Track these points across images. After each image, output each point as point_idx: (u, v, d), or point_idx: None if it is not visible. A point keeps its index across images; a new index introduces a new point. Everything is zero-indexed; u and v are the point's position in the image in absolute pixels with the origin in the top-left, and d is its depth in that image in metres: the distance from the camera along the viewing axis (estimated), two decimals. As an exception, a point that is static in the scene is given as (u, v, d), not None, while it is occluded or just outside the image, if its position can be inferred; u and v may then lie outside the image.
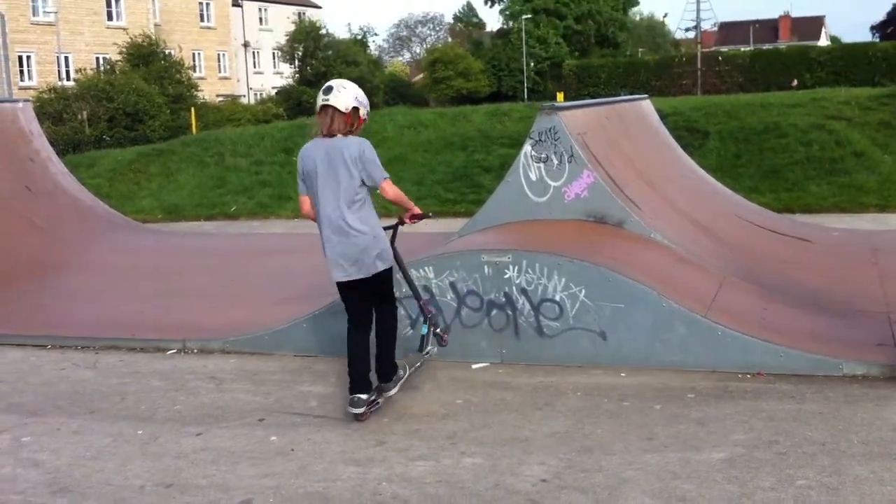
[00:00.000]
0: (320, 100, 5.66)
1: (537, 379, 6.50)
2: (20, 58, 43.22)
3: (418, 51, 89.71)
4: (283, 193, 18.26)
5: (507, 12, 72.56)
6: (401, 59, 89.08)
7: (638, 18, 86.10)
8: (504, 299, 6.85)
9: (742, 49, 66.91)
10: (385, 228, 5.94)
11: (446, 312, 6.98)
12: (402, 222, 6.21)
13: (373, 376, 5.91)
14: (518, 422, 5.71)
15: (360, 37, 66.48)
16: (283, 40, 56.91)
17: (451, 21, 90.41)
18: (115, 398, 6.55)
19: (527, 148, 8.07)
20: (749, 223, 10.63)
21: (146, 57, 40.72)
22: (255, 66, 64.06)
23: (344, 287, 5.78)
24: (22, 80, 42.94)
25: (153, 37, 43.91)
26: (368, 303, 5.88)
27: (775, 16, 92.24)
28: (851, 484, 4.59)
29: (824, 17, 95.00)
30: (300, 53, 54.94)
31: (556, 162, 7.98)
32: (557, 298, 6.71)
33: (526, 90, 64.63)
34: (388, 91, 59.82)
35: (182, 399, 6.46)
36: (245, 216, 17.64)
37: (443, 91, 63.81)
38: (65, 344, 8.05)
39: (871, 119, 18.64)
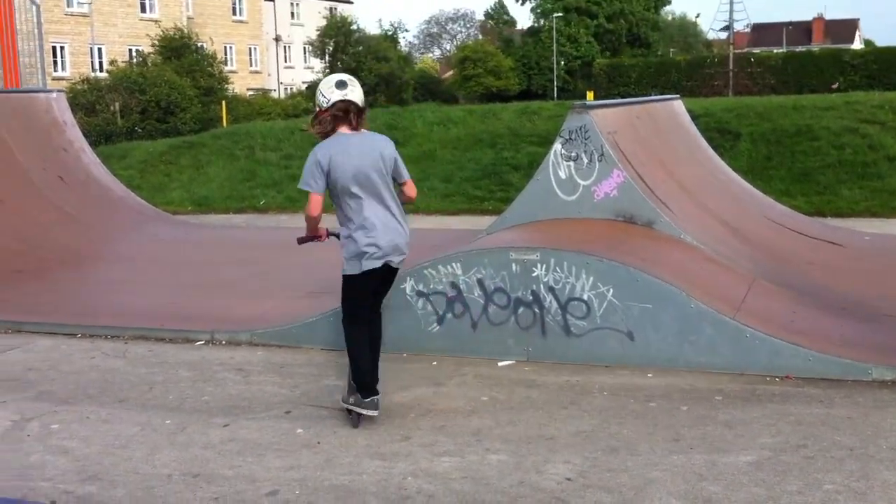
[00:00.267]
0: (336, 95, 5.49)
1: (563, 378, 6.49)
2: (54, 48, 43.60)
3: (448, 48, 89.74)
4: (312, 188, 18.32)
5: (538, 10, 72.39)
6: (431, 55, 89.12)
7: (670, 18, 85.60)
8: (531, 297, 6.85)
9: (775, 51, 66.31)
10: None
11: (473, 309, 6.99)
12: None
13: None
14: (543, 420, 5.70)
15: (390, 33, 66.46)
16: (314, 35, 57.10)
17: (482, 18, 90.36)
18: (144, 388, 6.62)
19: (557, 146, 8.06)
20: (780, 226, 10.55)
21: (178, 50, 40.99)
22: (285, 61, 64.32)
23: (369, 276, 5.58)
24: (55, 70, 43.33)
25: (186, 30, 44.19)
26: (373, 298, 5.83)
27: (809, 18, 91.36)
28: (879, 489, 4.55)
29: (858, 19, 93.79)
30: (331, 48, 55.09)
31: (586, 161, 7.97)
32: (585, 297, 6.70)
33: (556, 89, 64.47)
34: (417, 87, 59.87)
35: (209, 390, 6.51)
36: (274, 210, 17.73)
37: (472, 88, 63.78)
38: (95, 333, 8.13)
39: (905, 123, 18.44)
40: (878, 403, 5.77)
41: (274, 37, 62.46)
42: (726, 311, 6.59)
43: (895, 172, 16.12)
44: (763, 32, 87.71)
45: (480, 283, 6.96)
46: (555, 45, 66.03)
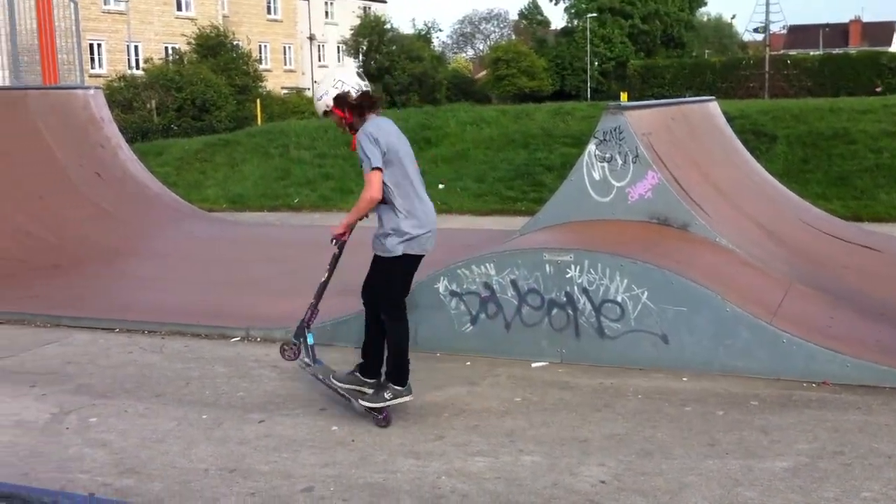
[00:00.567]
0: (362, 85, 5.66)
1: (597, 380, 6.48)
2: (91, 46, 44.05)
3: (482, 47, 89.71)
4: (346, 187, 18.41)
5: (573, 10, 72.23)
6: (464, 55, 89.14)
7: (705, 19, 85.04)
8: (565, 299, 6.84)
9: (811, 53, 65.71)
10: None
11: (507, 310, 6.99)
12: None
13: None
14: (577, 422, 5.70)
15: (424, 32, 66.60)
16: (347, 34, 57.34)
17: (516, 18, 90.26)
18: (180, 383, 6.69)
19: (591, 147, 8.05)
20: (816, 230, 10.45)
21: (214, 48, 41.33)
22: (319, 60, 64.59)
23: (416, 261, 5.69)
24: (93, 67, 43.80)
25: (221, 28, 44.53)
26: None
27: (846, 20, 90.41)
28: (918, 498, 4.51)
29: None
30: (364, 48, 55.32)
31: (620, 162, 7.94)
32: (619, 300, 6.69)
33: (589, 90, 64.29)
34: (450, 87, 59.95)
35: (245, 386, 6.57)
36: (308, 208, 17.82)
37: (505, 88, 63.75)
38: (132, 328, 8.23)
39: (945, 127, 18.18)
40: (917, 411, 5.71)
41: (308, 36, 62.75)
42: (762, 316, 6.55)
43: (934, 177, 15.91)
44: (800, 34, 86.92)
45: (514, 283, 6.97)
46: (588, 45, 65.83)
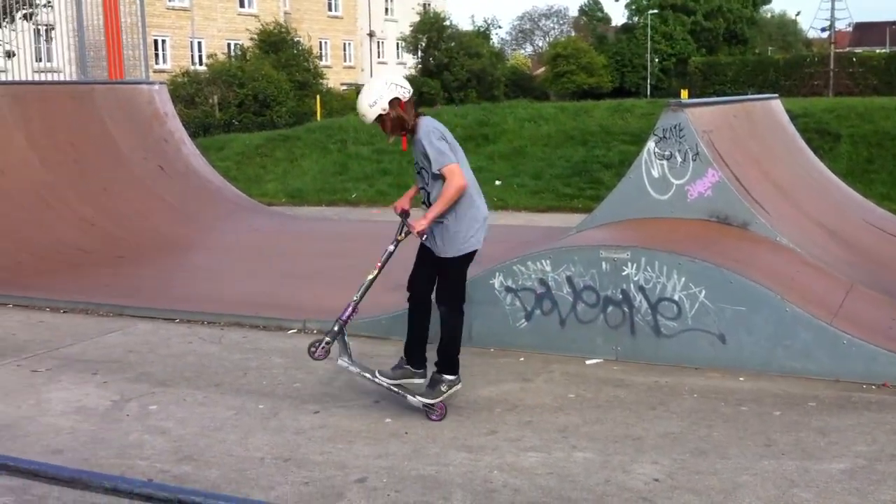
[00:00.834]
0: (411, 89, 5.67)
1: (652, 378, 6.44)
2: (156, 42, 44.77)
3: (541, 44, 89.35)
4: (403, 182, 18.48)
5: (634, 7, 71.57)
6: (523, 52, 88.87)
7: (769, 16, 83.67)
8: (621, 296, 6.81)
9: (878, 51, 64.29)
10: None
11: (562, 307, 6.98)
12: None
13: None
14: (631, 420, 5.67)
15: (483, 29, 66.49)
16: (407, 31, 57.48)
17: (576, 14, 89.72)
18: (238, 373, 6.79)
19: (650, 145, 7.99)
20: (880, 231, 10.25)
21: (276, 44, 41.75)
22: (379, 56, 64.90)
23: (473, 255, 5.76)
24: (157, 63, 44.54)
25: (283, 24, 44.98)
26: None
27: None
28: (981, 505, 4.41)
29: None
30: (423, 44, 55.38)
31: (679, 160, 7.88)
32: (676, 298, 6.63)
33: (649, 87, 63.66)
34: (508, 84, 59.77)
35: (301, 377, 6.65)
36: (365, 203, 17.94)
37: (564, 85, 63.40)
38: (192, 318, 8.37)
39: None
40: (981, 416, 5.58)
41: (368, 32, 63.08)
42: (823, 316, 6.45)
43: None
44: (866, 31, 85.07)
45: (569, 280, 6.95)
46: (649, 42, 65.19)
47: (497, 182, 17.84)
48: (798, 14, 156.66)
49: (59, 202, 11.90)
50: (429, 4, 65.62)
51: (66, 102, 13.11)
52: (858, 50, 68.06)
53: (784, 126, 11.64)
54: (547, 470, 4.92)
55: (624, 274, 6.78)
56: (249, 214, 14.18)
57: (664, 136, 7.93)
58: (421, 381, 5.79)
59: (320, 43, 55.90)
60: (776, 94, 13.30)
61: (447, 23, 56.77)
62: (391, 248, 5.74)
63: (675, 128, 7.91)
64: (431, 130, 5.53)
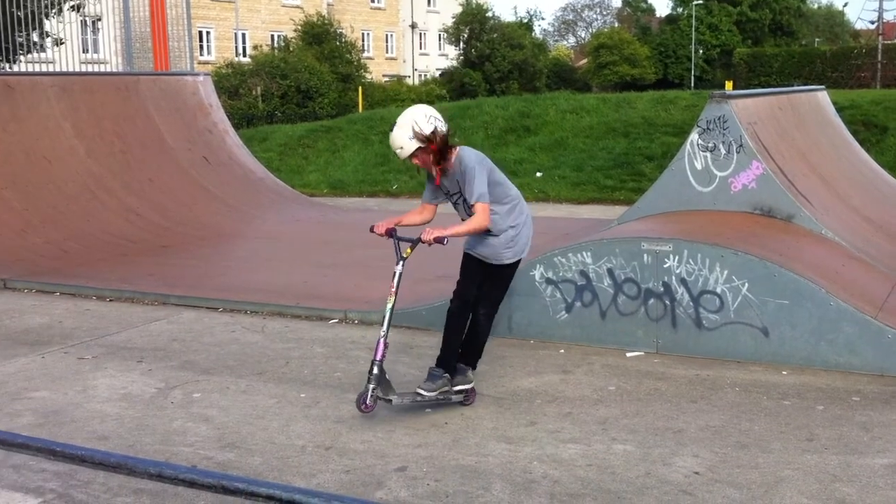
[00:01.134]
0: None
1: (693, 371, 6.40)
2: (200, 33, 45.22)
3: (584, 35, 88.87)
4: (444, 173, 18.49)
5: (678, -2, 70.90)
6: (565, 43, 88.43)
7: (816, 7, 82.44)
8: (662, 289, 6.77)
9: (928, 41, 63.09)
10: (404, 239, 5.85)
11: (602, 299, 6.96)
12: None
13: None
14: (671, 412, 5.65)
15: (525, 20, 66.25)
16: (449, 22, 57.46)
17: (619, 6, 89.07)
18: (280, 362, 6.86)
19: (694, 136, 7.92)
20: (928, 224, 10.09)
21: (319, 36, 41.95)
22: (420, 48, 64.93)
23: None
24: (201, 54, 44.97)
25: (326, 16, 45.17)
26: None
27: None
28: None
29: None
30: (465, 36, 55.34)
31: (723, 151, 7.81)
32: (718, 291, 6.58)
33: (693, 78, 63.06)
34: (550, 75, 59.56)
35: (342, 367, 6.70)
36: (406, 195, 17.98)
37: (606, 77, 63.04)
38: (235, 308, 8.47)
39: None
40: None
41: (410, 24, 63.13)
42: (867, 311, 6.36)
43: None
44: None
45: (610, 272, 6.92)
46: (693, 33, 64.54)
47: (538, 174, 17.79)
48: (846, 5, 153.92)
49: (105, 192, 12.09)
50: (471, -5, 65.52)
51: (112, 93, 13.30)
52: (907, 41, 66.82)
53: (830, 118, 11.49)
54: (587, 462, 4.92)
55: (665, 266, 6.74)
56: (291, 205, 14.30)
57: (708, 128, 7.86)
58: (447, 375, 5.74)
59: (363, 34, 56.06)
60: (822, 86, 13.12)
61: (489, 14, 56.67)
62: (399, 269, 5.74)
63: (719, 119, 7.84)
64: (478, 163, 5.50)
